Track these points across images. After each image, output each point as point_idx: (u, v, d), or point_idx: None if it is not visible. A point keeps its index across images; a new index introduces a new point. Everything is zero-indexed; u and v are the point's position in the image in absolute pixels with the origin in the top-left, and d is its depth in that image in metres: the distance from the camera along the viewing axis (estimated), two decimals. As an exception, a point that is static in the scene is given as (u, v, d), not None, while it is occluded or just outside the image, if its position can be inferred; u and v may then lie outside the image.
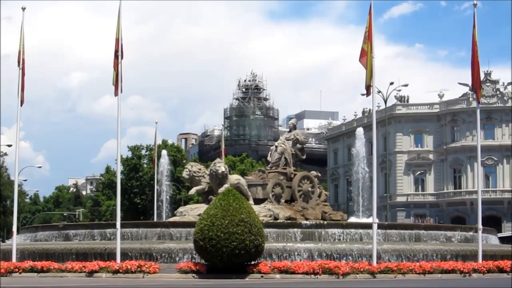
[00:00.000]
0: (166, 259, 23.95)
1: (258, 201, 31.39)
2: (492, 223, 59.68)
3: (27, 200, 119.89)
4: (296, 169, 36.19)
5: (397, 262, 23.58)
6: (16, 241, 26.07)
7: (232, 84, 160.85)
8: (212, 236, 21.14)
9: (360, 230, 27.27)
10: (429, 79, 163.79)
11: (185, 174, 32.06)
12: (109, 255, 23.85)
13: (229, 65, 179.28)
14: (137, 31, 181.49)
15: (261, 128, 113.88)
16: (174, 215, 33.68)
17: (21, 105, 26.42)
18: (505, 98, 79.29)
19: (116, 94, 24.33)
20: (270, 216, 29.60)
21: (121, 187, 29.27)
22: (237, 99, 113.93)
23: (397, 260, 24.33)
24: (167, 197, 53.52)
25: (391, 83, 59.11)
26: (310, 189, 32.84)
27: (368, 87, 23.90)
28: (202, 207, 28.93)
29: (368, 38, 23.71)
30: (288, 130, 37.71)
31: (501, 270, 24.40)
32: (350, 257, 24.14)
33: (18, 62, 26.27)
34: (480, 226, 25.85)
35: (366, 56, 23.61)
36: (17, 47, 26.32)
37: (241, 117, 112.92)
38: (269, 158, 34.77)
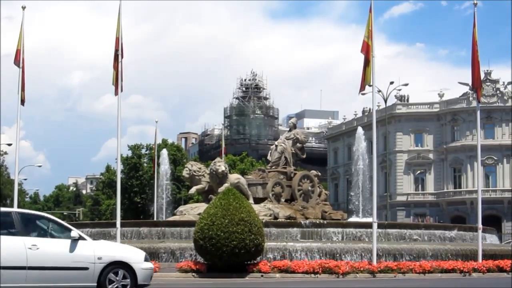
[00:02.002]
0: (166, 258, 23.97)
1: (258, 200, 31.42)
2: (492, 222, 59.69)
3: (27, 199, 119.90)
4: (296, 168, 36.21)
5: (397, 262, 23.61)
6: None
7: (232, 83, 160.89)
8: (212, 235, 21.16)
9: (360, 230, 27.30)
10: (429, 79, 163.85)
11: (185, 173, 32.09)
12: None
13: (230, 64, 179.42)
14: (138, 30, 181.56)
15: (261, 127, 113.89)
16: (174, 214, 33.71)
17: (23, 105, 26.50)
18: (505, 97, 79.31)
19: (116, 93, 24.37)
20: (270, 215, 29.62)
21: (121, 186, 29.28)
22: (237, 98, 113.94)
23: (396, 259, 24.35)
24: (167, 196, 53.61)
25: (391, 83, 59.12)
26: (310, 188, 32.85)
27: (363, 85, 23.85)
28: (202, 206, 28.96)
29: (369, 37, 23.74)
30: (288, 129, 37.72)
31: (501, 270, 24.43)
32: (350, 256, 24.17)
33: (18, 61, 26.30)
34: (480, 225, 25.87)
35: (367, 50, 23.59)
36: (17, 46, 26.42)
37: (241, 116, 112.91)
38: (269, 157, 34.79)
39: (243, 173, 51.11)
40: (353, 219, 37.23)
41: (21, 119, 27.15)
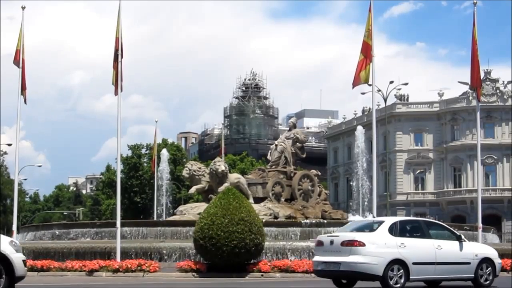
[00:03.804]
0: (166, 258, 23.97)
1: (258, 200, 31.41)
2: (492, 221, 59.71)
3: (27, 199, 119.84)
4: (296, 168, 36.18)
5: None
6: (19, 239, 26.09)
7: (232, 83, 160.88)
8: (212, 235, 21.18)
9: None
10: (429, 78, 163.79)
11: (185, 173, 32.09)
12: (109, 254, 23.88)
13: (230, 64, 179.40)
14: (138, 30, 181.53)
15: (261, 127, 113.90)
16: (174, 214, 33.72)
17: (25, 103, 26.59)
18: (505, 96, 79.29)
19: (116, 93, 24.40)
20: (270, 215, 29.62)
21: (121, 186, 29.31)
22: (237, 98, 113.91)
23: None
24: (167, 196, 53.55)
25: (391, 82, 59.08)
26: (310, 187, 32.83)
27: (357, 80, 23.83)
28: (202, 206, 28.95)
29: (368, 36, 23.76)
30: (288, 129, 37.70)
31: (501, 269, 24.36)
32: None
33: (17, 61, 26.33)
34: (480, 224, 25.86)
35: (367, 49, 23.59)
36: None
37: (241, 116, 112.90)
38: (269, 157, 34.79)
39: (243, 172, 51.14)
40: (353, 218, 37.21)
41: (21, 119, 27.21)
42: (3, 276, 12.61)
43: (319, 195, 33.40)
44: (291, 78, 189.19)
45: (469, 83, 29.32)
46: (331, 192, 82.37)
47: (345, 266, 15.87)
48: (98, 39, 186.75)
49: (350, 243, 15.86)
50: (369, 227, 16.84)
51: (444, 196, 79.92)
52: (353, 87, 24.42)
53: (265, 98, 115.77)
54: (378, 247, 15.86)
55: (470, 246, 17.49)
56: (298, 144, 34.34)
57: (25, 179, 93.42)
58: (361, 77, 23.67)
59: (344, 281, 16.88)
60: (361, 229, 16.96)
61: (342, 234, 16.63)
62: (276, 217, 29.63)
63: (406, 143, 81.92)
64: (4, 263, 12.73)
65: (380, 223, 16.76)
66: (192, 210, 30.60)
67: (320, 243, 16.86)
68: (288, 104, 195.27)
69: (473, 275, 17.13)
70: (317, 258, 16.93)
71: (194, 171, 31.56)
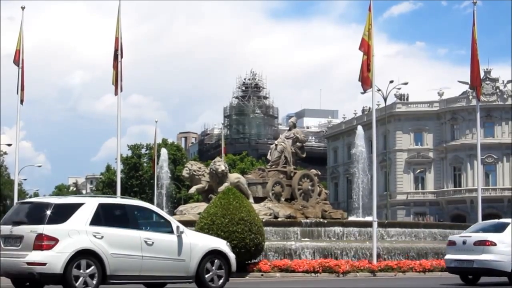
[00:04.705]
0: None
1: (258, 200, 31.36)
2: (492, 221, 59.60)
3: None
4: (296, 167, 36.14)
5: (397, 260, 23.63)
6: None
7: (232, 83, 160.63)
8: (212, 235, 21.15)
9: (360, 229, 27.31)
10: (429, 77, 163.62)
11: (185, 173, 32.03)
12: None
13: (230, 64, 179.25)
14: (138, 30, 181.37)
15: (261, 127, 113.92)
16: (174, 214, 33.70)
17: (21, 103, 26.62)
18: (505, 96, 79.36)
19: (116, 93, 24.41)
20: (270, 215, 29.56)
21: (121, 186, 29.28)
22: (237, 97, 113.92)
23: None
24: (167, 195, 53.59)
25: (391, 81, 59.14)
26: (310, 187, 32.78)
27: (366, 83, 23.85)
28: (202, 206, 28.91)
29: (369, 36, 23.76)
30: (288, 128, 37.65)
31: None
32: (350, 255, 24.17)
33: (17, 61, 26.37)
34: (480, 224, 25.85)
35: (367, 48, 23.58)
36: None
37: (241, 115, 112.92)
38: (269, 157, 34.74)
39: (243, 172, 51.13)
40: (353, 218, 37.23)
41: (21, 119, 27.27)
42: (224, 270, 15.69)
43: (319, 194, 33.35)
44: (291, 78, 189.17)
45: (469, 83, 29.30)
46: (331, 192, 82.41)
47: (478, 263, 17.71)
48: (98, 39, 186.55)
49: (483, 243, 17.72)
50: (494, 228, 18.64)
51: (444, 196, 79.96)
52: (364, 91, 24.45)
53: (265, 98, 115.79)
54: (507, 246, 17.57)
55: None
56: (298, 144, 34.30)
57: (25, 179, 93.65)
58: (369, 78, 23.67)
59: (470, 277, 18.76)
60: (486, 230, 18.76)
61: (474, 235, 18.38)
62: (276, 217, 29.59)
63: (406, 143, 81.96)
64: (224, 260, 15.80)
65: (506, 224, 18.41)
66: (192, 210, 30.56)
67: (452, 243, 18.77)
68: (288, 104, 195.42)
69: None
70: (449, 256, 18.71)
71: (194, 171, 31.49)
